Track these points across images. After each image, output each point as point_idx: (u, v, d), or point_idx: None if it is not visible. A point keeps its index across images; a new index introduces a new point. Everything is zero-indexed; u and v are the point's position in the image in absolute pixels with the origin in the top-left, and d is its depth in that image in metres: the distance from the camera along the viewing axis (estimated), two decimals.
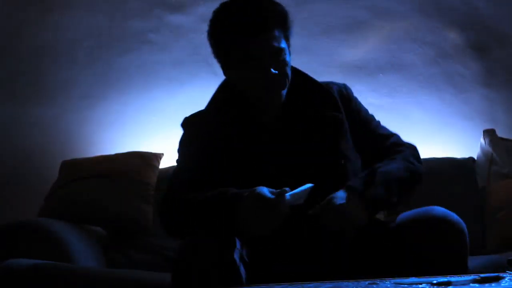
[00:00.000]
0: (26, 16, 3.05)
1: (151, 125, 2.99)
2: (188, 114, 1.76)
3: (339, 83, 1.77)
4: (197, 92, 3.00)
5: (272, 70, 1.57)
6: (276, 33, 1.59)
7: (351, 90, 1.77)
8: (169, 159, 2.80)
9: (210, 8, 1.53)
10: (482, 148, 2.76)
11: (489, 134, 2.75)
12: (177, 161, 1.73)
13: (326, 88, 1.70)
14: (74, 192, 2.52)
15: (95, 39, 3.04)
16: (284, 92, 1.63)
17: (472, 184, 2.67)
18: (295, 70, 1.69)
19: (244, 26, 1.57)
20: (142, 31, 3.05)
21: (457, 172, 2.59)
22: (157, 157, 2.71)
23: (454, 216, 1.51)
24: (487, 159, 2.70)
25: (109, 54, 3.04)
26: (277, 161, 1.61)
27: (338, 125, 1.65)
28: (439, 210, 1.53)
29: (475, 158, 2.79)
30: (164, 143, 2.93)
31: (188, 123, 1.75)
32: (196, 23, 2.99)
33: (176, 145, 2.99)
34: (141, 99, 3.01)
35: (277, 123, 1.67)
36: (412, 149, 1.71)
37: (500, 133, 2.77)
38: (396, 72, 2.96)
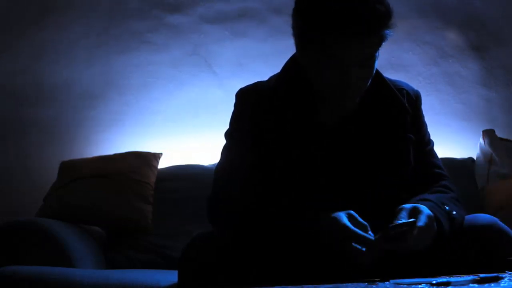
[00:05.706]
0: (26, 16, 3.05)
1: (150, 125, 2.99)
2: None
3: (413, 89, 1.62)
4: (197, 92, 3.00)
5: (351, 82, 1.39)
6: (374, 38, 1.39)
7: (421, 101, 1.63)
8: (168, 159, 2.80)
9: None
10: (481, 148, 2.76)
11: (488, 134, 2.75)
12: (228, 147, 1.57)
13: (401, 101, 1.55)
14: (73, 192, 2.51)
15: (94, 39, 3.04)
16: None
17: (472, 184, 2.67)
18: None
19: (341, 23, 1.34)
20: (141, 31, 3.05)
21: (457, 172, 2.58)
22: (156, 156, 2.70)
23: (500, 222, 1.45)
24: (487, 159, 2.70)
25: (108, 54, 3.03)
26: (331, 171, 1.49)
27: (408, 150, 1.52)
28: (485, 217, 1.47)
29: (475, 158, 2.79)
30: (163, 143, 2.92)
31: (242, 99, 1.58)
32: (195, 23, 2.99)
33: (175, 146, 3.00)
34: (140, 99, 3.01)
35: (341, 130, 1.52)
36: (457, 193, 1.56)
37: (499, 133, 2.77)
38: (396, 72, 2.95)
